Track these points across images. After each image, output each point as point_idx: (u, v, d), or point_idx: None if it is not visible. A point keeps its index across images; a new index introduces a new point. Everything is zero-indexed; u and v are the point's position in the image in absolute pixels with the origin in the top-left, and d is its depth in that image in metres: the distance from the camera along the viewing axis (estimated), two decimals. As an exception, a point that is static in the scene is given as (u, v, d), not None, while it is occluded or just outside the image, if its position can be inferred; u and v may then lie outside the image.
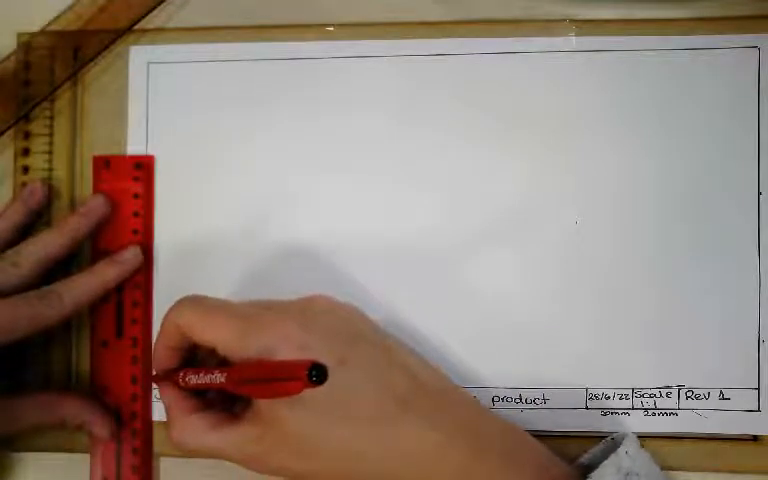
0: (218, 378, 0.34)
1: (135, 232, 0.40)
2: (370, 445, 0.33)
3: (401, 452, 0.33)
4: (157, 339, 0.36)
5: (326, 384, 0.29)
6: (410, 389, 0.34)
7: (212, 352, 0.35)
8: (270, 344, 0.33)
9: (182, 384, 0.36)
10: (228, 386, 0.33)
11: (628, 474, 0.34)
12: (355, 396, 0.33)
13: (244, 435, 0.34)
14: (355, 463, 0.33)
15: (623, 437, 0.36)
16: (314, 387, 0.29)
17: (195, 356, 0.37)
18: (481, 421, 0.36)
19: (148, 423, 0.40)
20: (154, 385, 0.39)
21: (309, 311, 0.35)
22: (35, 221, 0.40)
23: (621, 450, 0.35)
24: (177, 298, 0.36)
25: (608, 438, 0.38)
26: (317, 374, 0.29)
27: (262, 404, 0.33)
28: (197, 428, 0.35)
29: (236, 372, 0.33)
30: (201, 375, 0.35)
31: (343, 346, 0.34)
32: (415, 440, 0.33)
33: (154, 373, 0.38)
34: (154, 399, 0.40)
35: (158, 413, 0.40)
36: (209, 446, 0.34)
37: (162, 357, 0.36)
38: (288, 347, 0.33)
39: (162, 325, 0.36)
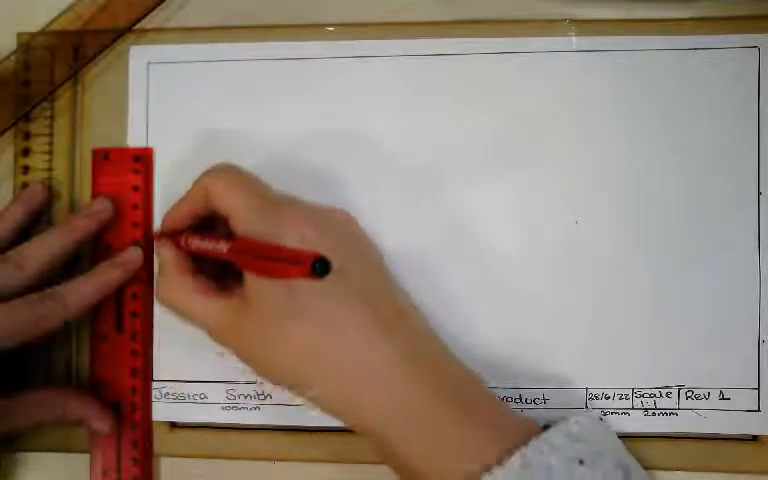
0: (222, 246, 0.34)
1: (135, 225, 0.40)
2: (339, 356, 0.34)
3: (370, 375, 0.33)
4: (182, 200, 0.37)
5: (320, 286, 0.31)
6: (394, 316, 0.35)
7: (225, 226, 0.36)
8: (281, 233, 0.34)
9: (183, 246, 0.36)
10: (229, 256, 0.34)
11: (576, 440, 0.34)
12: (345, 307, 0.34)
13: (227, 306, 0.35)
14: (317, 367, 0.34)
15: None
16: (314, 279, 0.29)
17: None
18: (447, 364, 0.36)
19: (148, 416, 0.40)
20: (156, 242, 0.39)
21: (328, 219, 0.36)
22: (35, 222, 0.40)
23: (572, 419, 0.35)
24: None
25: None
26: (320, 267, 0.29)
27: (251, 282, 0.34)
28: (188, 289, 0.36)
29: (240, 244, 0.34)
30: (205, 240, 0.36)
31: (348, 257, 0.35)
32: (387, 366, 0.33)
33: (158, 231, 0.38)
34: (154, 399, 0.40)
35: (158, 412, 0.40)
36: (193, 309, 0.35)
37: (176, 217, 0.37)
38: (299, 243, 0.34)
39: (192, 188, 0.36)
